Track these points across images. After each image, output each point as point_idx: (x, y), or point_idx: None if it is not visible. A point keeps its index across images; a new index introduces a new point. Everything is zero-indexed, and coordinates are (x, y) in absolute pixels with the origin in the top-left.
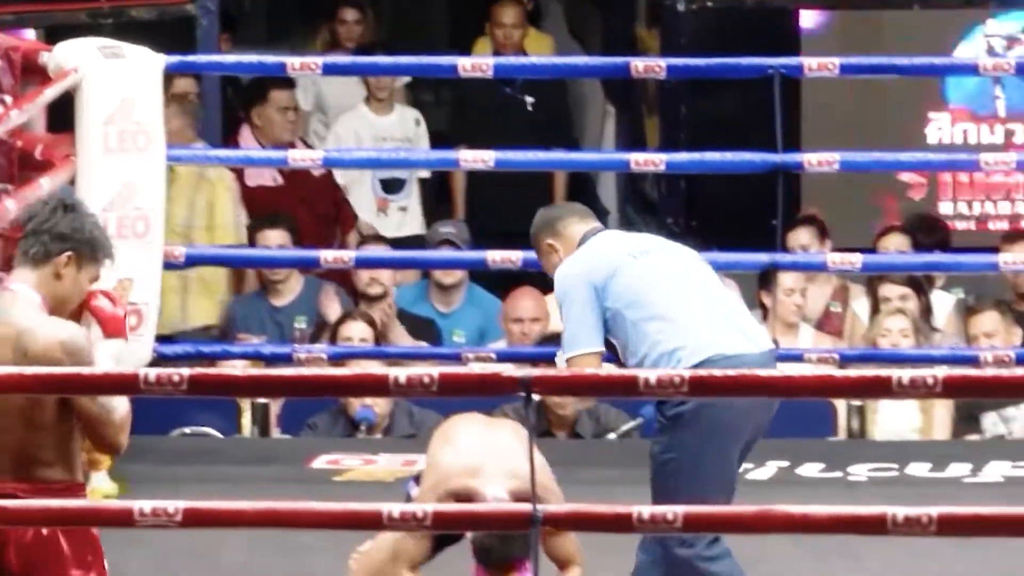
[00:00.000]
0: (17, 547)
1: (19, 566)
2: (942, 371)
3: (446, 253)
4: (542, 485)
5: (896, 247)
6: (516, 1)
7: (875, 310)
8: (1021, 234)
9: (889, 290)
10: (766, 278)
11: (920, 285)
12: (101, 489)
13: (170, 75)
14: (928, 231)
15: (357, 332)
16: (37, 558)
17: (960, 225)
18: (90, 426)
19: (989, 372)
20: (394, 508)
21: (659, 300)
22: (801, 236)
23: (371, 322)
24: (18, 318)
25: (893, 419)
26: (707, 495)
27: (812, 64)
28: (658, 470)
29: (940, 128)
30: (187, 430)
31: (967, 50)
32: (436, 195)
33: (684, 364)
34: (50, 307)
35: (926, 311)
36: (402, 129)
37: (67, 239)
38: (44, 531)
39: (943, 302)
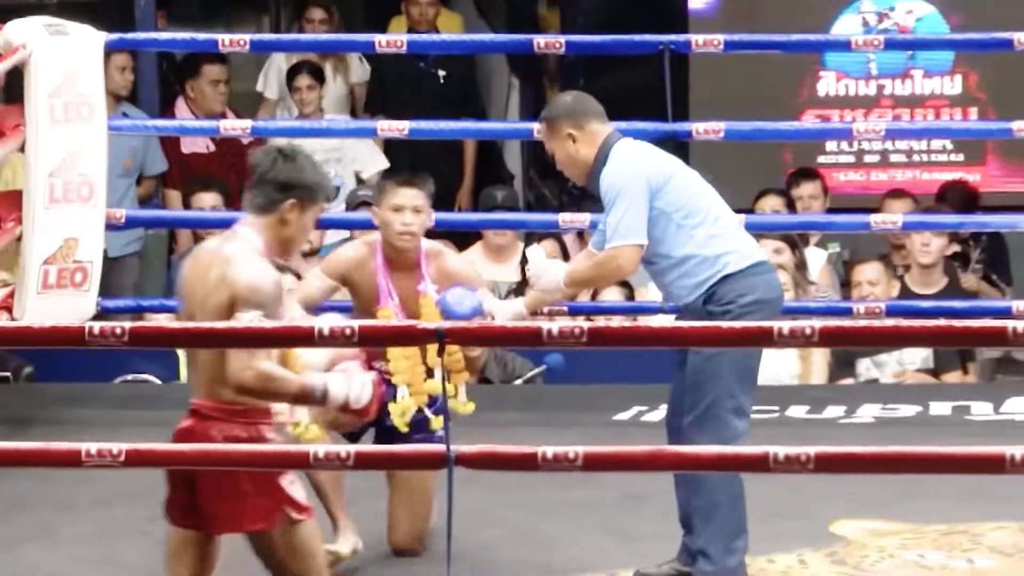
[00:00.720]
0: (204, 472)
1: (204, 490)
2: (819, 323)
3: (366, 214)
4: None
5: (771, 208)
6: None
7: None
8: (901, 192)
9: (764, 244)
10: None
11: (794, 241)
12: (304, 429)
13: (110, 51)
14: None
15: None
16: (218, 483)
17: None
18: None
19: (861, 323)
20: (320, 449)
21: (704, 209)
22: None
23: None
24: (234, 252)
25: (774, 366)
26: (744, 387)
27: (699, 41)
28: (704, 362)
29: (827, 83)
30: (129, 377)
31: (847, 23)
32: None
33: (730, 269)
34: (275, 250)
35: (801, 265)
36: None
37: (289, 187)
38: None
39: (816, 257)
